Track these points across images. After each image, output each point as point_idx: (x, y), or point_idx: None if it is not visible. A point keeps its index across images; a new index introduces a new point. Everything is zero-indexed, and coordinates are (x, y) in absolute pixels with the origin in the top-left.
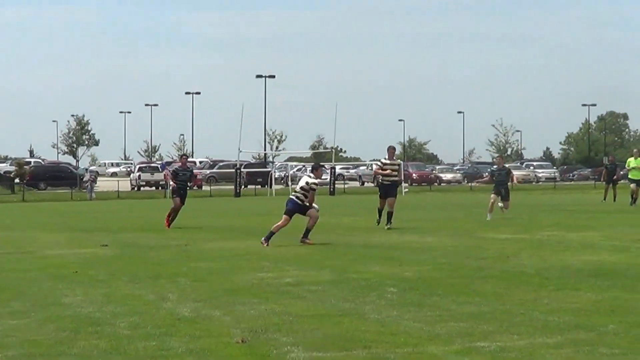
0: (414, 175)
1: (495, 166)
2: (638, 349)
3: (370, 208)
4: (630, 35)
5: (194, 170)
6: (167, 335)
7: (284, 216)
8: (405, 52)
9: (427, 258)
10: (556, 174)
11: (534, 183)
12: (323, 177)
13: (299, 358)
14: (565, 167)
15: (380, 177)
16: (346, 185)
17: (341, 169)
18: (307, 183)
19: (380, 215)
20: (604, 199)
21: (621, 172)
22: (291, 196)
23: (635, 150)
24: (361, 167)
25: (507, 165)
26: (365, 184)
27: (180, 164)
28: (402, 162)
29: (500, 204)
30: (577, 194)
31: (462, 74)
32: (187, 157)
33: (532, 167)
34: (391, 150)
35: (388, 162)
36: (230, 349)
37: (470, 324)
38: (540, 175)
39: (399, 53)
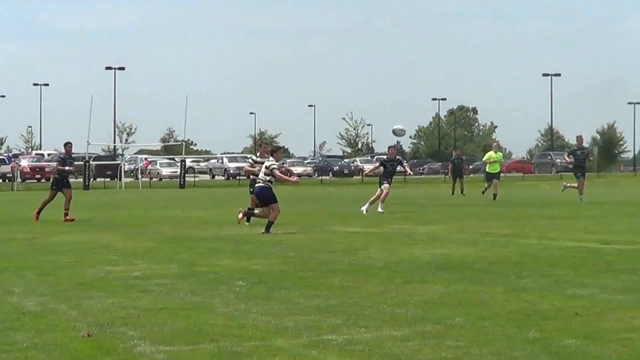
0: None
1: (386, 156)
2: (483, 341)
3: (220, 201)
4: (474, 30)
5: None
6: (11, 329)
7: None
8: (258, 45)
9: (277, 251)
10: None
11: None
12: (173, 171)
13: (146, 352)
14: (415, 160)
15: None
16: (197, 179)
17: (192, 162)
18: (267, 167)
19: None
20: (452, 193)
21: (470, 167)
22: (259, 184)
23: (494, 143)
24: (212, 160)
25: (398, 157)
26: (216, 177)
27: (65, 152)
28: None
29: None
30: (427, 187)
31: (313, 67)
32: (71, 145)
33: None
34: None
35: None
36: (76, 343)
37: (318, 317)
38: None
39: (250, 45)
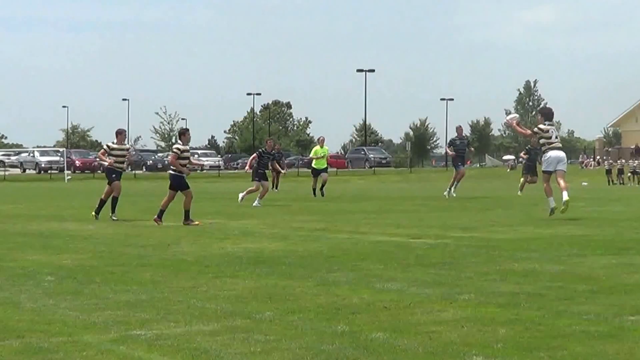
0: (77, 162)
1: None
2: (292, 335)
3: (30, 195)
4: (289, 26)
5: None
6: None
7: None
8: (71, 37)
9: (87, 246)
10: (221, 163)
11: (198, 171)
12: None
13: None
14: (229, 155)
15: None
16: (7, 173)
17: (2, 155)
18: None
19: None
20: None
21: (286, 161)
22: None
23: (320, 138)
24: (22, 154)
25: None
26: (27, 170)
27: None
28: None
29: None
30: (241, 182)
31: (126, 60)
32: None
33: (197, 155)
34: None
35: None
36: None
37: (127, 312)
38: (205, 163)
39: (62, 38)
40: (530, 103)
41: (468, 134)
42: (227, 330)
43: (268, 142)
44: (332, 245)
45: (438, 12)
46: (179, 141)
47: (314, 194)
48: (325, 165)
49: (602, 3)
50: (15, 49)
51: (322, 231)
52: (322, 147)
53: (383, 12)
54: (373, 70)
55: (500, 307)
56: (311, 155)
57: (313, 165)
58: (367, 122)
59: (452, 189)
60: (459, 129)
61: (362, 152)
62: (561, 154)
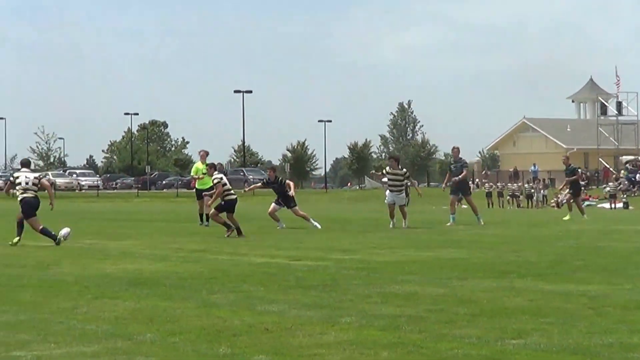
0: None
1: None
2: (173, 357)
3: None
4: (169, 47)
5: None
6: None
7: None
8: None
9: None
10: (99, 182)
11: (77, 191)
12: None
13: None
14: (108, 175)
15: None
16: None
17: None
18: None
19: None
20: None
21: (164, 182)
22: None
23: (201, 152)
24: None
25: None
26: None
27: None
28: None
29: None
30: (119, 202)
31: (2, 78)
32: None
33: (75, 175)
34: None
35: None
36: None
37: (6, 332)
38: (83, 183)
39: None
40: (405, 124)
41: (347, 155)
42: (108, 351)
43: (270, 172)
44: (213, 267)
45: (314, 34)
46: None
47: (201, 220)
48: (208, 186)
49: (480, 24)
50: None
51: (202, 252)
52: (204, 163)
53: (260, 34)
54: (250, 92)
55: (382, 330)
56: (192, 173)
57: (196, 186)
58: (246, 144)
59: (454, 215)
60: (454, 151)
61: (242, 173)
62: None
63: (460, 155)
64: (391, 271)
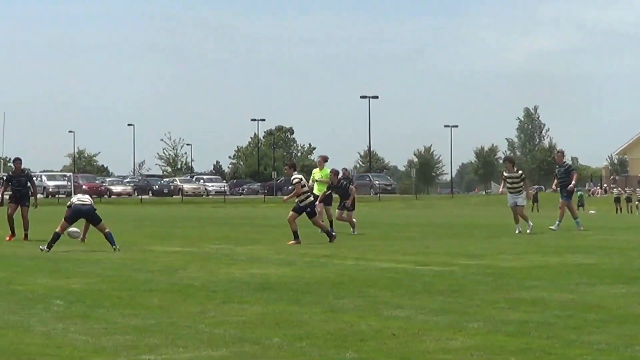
0: (84, 186)
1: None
2: None
3: (38, 219)
4: (295, 54)
5: None
6: None
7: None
8: (76, 62)
9: (95, 270)
10: (226, 188)
11: (204, 196)
12: None
13: None
14: (234, 181)
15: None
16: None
17: None
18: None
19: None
20: None
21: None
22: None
23: (319, 158)
24: None
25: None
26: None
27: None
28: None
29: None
30: (246, 207)
31: (133, 85)
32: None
33: (202, 181)
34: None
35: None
36: None
37: (136, 336)
38: (210, 189)
39: (69, 62)
40: (531, 129)
41: (473, 161)
42: (235, 356)
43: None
44: (339, 272)
45: (440, 39)
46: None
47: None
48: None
49: (607, 27)
50: (20, 74)
51: (329, 257)
52: (321, 169)
53: (385, 39)
54: (377, 97)
55: (510, 335)
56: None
57: (314, 190)
58: (372, 149)
59: (559, 222)
60: (558, 155)
61: (367, 179)
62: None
63: (564, 160)
64: (518, 277)
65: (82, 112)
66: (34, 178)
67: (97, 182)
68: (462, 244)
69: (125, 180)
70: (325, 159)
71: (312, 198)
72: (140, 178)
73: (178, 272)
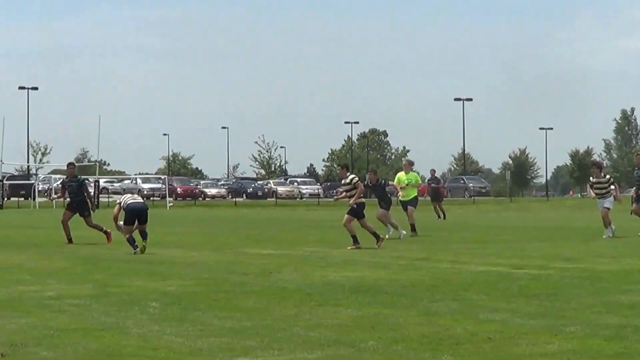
0: (178, 189)
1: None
2: None
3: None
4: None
5: None
6: None
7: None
8: (170, 66)
9: (190, 273)
10: (319, 191)
11: (297, 199)
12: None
13: None
14: (328, 183)
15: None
16: (110, 199)
17: (105, 182)
18: None
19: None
20: (439, 217)
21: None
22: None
23: (404, 161)
24: (125, 181)
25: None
26: None
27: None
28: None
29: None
30: (340, 210)
31: (226, 88)
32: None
33: (296, 183)
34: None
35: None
36: None
37: (231, 339)
38: (304, 191)
39: (163, 66)
40: (629, 131)
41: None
42: (330, 359)
43: (370, 174)
44: (434, 275)
45: (534, 41)
46: None
47: (413, 229)
48: (411, 197)
49: None
50: (116, 77)
51: (423, 260)
52: (406, 173)
53: (480, 41)
54: (471, 99)
55: (607, 339)
56: (395, 182)
57: (399, 196)
58: (466, 151)
59: None
60: (637, 158)
61: (462, 181)
62: None
63: None
64: (615, 280)
65: (177, 115)
66: (131, 181)
67: (191, 184)
68: (557, 247)
69: (220, 183)
70: (410, 163)
71: (362, 199)
72: (234, 181)
73: (273, 274)
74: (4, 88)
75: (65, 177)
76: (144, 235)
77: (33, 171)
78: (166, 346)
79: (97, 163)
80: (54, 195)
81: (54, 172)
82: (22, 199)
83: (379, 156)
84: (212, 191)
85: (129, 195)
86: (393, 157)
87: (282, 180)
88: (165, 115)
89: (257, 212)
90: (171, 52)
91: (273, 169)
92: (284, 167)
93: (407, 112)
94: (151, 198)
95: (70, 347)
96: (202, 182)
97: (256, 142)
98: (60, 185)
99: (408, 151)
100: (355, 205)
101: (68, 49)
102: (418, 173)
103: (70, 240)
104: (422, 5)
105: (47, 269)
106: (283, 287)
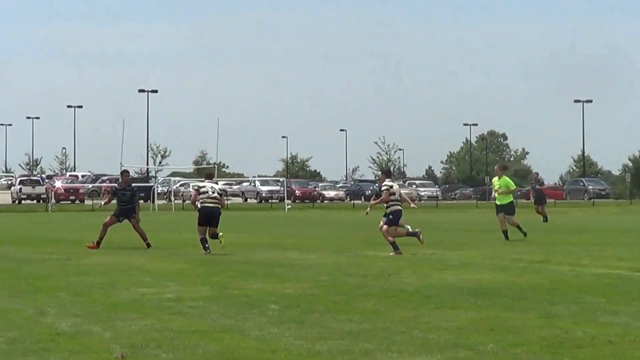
0: (297, 192)
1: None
2: None
3: (252, 224)
4: (507, 55)
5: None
6: (46, 350)
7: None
8: (288, 69)
9: (309, 275)
10: (438, 193)
11: (416, 201)
12: None
13: None
14: (447, 185)
15: None
16: (229, 202)
17: (224, 184)
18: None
19: None
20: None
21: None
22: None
23: (496, 166)
24: (244, 184)
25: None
26: (248, 199)
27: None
28: None
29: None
30: (458, 212)
31: (344, 91)
32: (129, 173)
33: (414, 186)
34: None
35: None
36: None
37: (350, 341)
38: (422, 193)
39: (281, 69)
40: None
41: None
42: None
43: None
44: (553, 278)
45: None
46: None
47: (505, 236)
48: (504, 203)
49: None
50: (233, 80)
51: (542, 263)
52: (500, 178)
53: (599, 42)
54: (590, 101)
55: None
56: (493, 188)
57: (496, 202)
58: (586, 153)
59: None
60: (498, 171)
61: (581, 184)
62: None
63: None
64: None
65: (295, 117)
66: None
67: (309, 187)
68: None
69: (338, 185)
70: (502, 168)
71: (399, 207)
72: (352, 183)
73: (391, 277)
74: (125, 91)
75: (117, 184)
76: (213, 237)
77: (152, 174)
78: (285, 349)
79: (215, 165)
80: (101, 202)
81: (173, 174)
82: (142, 201)
83: (497, 158)
84: (330, 193)
85: (209, 186)
86: (512, 159)
87: (401, 182)
88: (283, 117)
89: (375, 214)
90: (288, 54)
91: (392, 171)
92: (402, 169)
93: (526, 114)
94: (269, 200)
95: (189, 349)
96: (320, 184)
97: (376, 143)
98: (110, 190)
99: (527, 153)
100: (391, 215)
101: (186, 52)
102: (511, 178)
103: (98, 244)
104: (545, 9)
105: (166, 271)
106: (401, 289)
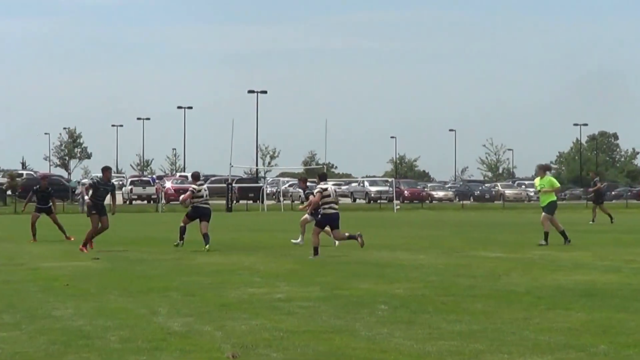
0: (405, 192)
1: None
2: None
3: (362, 224)
4: (620, 56)
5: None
6: (157, 349)
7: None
8: (397, 68)
9: (418, 276)
10: None
11: (525, 202)
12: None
13: None
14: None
15: None
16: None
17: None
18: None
19: None
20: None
21: (613, 192)
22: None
23: (537, 166)
24: (353, 184)
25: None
26: (357, 200)
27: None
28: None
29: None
30: (568, 213)
31: (454, 91)
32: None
33: (523, 186)
34: None
35: None
36: None
37: (460, 342)
38: (531, 194)
39: (391, 69)
40: None
41: None
42: None
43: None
44: None
45: None
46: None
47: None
48: (547, 202)
49: None
50: (341, 81)
51: None
52: (541, 178)
53: None
54: None
55: None
56: (536, 188)
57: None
58: None
59: None
60: (539, 171)
61: None
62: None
63: None
64: None
65: (404, 118)
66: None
67: (418, 187)
68: None
69: (447, 186)
70: (542, 168)
71: (333, 210)
72: (461, 183)
73: (501, 277)
74: (235, 92)
75: (98, 179)
76: (205, 239)
77: (261, 174)
78: (395, 349)
79: (324, 166)
80: (86, 197)
81: (282, 174)
82: (251, 201)
83: (607, 158)
84: (439, 194)
85: (204, 194)
86: (622, 159)
87: (510, 182)
88: (392, 117)
89: (484, 215)
90: (397, 54)
91: (500, 171)
92: (511, 169)
93: (635, 114)
94: (378, 201)
95: (299, 349)
96: (429, 184)
97: (484, 145)
98: (91, 184)
99: (637, 153)
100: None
101: (296, 53)
102: (556, 177)
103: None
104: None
105: (276, 272)
106: (512, 290)
